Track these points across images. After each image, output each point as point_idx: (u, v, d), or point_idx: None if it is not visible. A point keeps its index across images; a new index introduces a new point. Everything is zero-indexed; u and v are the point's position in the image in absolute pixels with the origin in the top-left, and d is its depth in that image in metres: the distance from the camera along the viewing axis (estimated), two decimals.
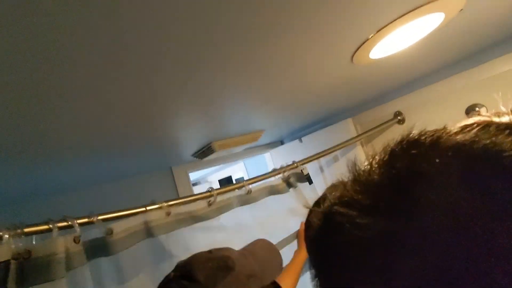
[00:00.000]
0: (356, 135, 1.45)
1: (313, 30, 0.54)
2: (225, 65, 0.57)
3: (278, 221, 1.10)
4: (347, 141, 1.36)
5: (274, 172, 1.14)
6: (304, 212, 1.07)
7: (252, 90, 0.82)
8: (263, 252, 0.66)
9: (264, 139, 1.77)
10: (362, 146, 1.50)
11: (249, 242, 0.78)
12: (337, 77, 0.87)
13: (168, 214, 0.81)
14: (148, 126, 0.81)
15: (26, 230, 0.56)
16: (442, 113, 1.25)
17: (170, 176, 1.54)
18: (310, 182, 1.23)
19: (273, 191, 1.14)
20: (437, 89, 1.26)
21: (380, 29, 0.60)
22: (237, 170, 3.34)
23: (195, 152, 1.31)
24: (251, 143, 1.34)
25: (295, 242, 1.09)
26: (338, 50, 0.66)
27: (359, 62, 0.72)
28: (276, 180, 1.17)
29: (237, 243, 0.72)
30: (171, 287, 0.49)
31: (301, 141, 1.75)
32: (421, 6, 0.55)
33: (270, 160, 2.05)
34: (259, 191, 1.09)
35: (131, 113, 0.66)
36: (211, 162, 1.72)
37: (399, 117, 1.38)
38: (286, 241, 1.08)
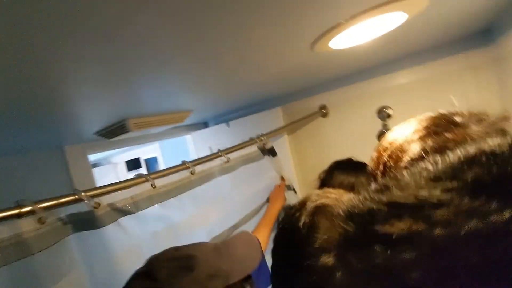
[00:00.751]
0: (283, 124, 1.46)
1: (276, 12, 0.45)
2: (158, 40, 0.41)
3: (255, 186, 1.22)
4: (276, 129, 1.35)
5: (245, 143, 1.18)
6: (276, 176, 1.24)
7: (190, 67, 0.67)
8: (241, 246, 0.64)
9: (186, 120, 1.59)
10: (288, 135, 1.52)
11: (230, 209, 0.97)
12: (293, 64, 0.81)
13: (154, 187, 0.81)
14: (32, 92, 0.55)
15: None
16: (358, 110, 1.38)
17: (60, 157, 1.20)
18: (274, 154, 1.33)
19: (248, 159, 1.22)
20: (358, 88, 1.38)
21: (342, 22, 0.55)
22: (148, 151, 2.98)
23: (101, 130, 1.04)
24: (175, 123, 1.16)
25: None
26: (300, 35, 0.59)
27: (319, 50, 0.67)
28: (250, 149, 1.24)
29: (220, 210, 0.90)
30: (134, 285, 0.49)
31: (228, 125, 1.65)
32: (382, 5, 0.53)
33: (191, 142, 1.88)
34: (236, 159, 1.15)
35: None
36: (118, 143, 1.43)
37: (323, 110, 1.46)
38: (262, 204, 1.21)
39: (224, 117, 1.85)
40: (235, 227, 1.10)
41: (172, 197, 0.91)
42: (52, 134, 1.04)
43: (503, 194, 0.15)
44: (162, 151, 2.26)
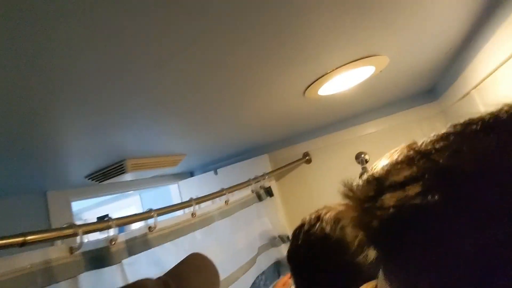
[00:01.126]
0: (270, 170, 1.53)
1: (275, 64, 0.58)
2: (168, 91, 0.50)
3: (251, 232, 1.20)
4: (263, 175, 1.41)
5: (245, 183, 1.25)
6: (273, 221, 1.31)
7: (187, 113, 0.75)
8: (194, 276, 0.56)
9: (172, 169, 1.61)
10: (275, 181, 1.58)
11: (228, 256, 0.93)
12: (286, 108, 0.93)
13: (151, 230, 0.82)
14: (26, 133, 0.58)
15: None
16: (339, 155, 1.52)
17: (41, 203, 1.13)
18: (271, 195, 1.38)
19: (245, 203, 1.25)
20: (337, 137, 1.54)
21: (330, 71, 0.70)
22: (122, 207, 2.81)
23: (95, 172, 1.03)
24: (169, 166, 1.19)
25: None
26: (295, 83, 0.72)
27: (309, 96, 0.80)
28: (246, 192, 1.29)
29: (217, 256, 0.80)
30: None
31: (216, 173, 1.68)
32: (360, 59, 0.69)
33: (176, 192, 1.85)
34: (232, 203, 1.16)
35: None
36: (103, 189, 1.38)
37: (307, 157, 1.57)
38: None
39: (210, 166, 1.89)
40: (231, 276, 1.05)
41: (170, 241, 0.89)
42: (36, 178, 1.01)
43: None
44: (143, 203, 2.16)
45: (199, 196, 1.77)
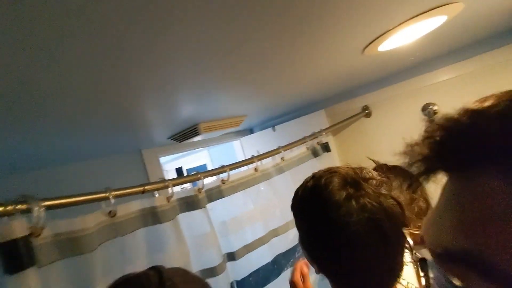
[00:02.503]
0: (328, 125, 1.55)
1: (335, 22, 0.57)
2: (232, 54, 0.55)
3: None
4: (321, 131, 1.45)
5: (300, 140, 1.33)
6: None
7: (254, 76, 0.81)
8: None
9: (235, 128, 1.77)
10: (332, 136, 1.61)
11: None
12: (343, 66, 0.92)
13: (224, 182, 1.00)
14: (125, 106, 0.73)
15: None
16: (402, 107, 1.43)
17: (139, 160, 1.42)
18: (329, 150, 1.44)
19: (300, 160, 1.32)
20: (400, 87, 1.43)
21: (392, 28, 0.66)
22: (192, 161, 3.25)
23: (175, 134, 1.24)
24: (233, 127, 1.32)
25: None
26: (354, 42, 0.70)
27: (369, 53, 0.78)
28: (301, 149, 1.36)
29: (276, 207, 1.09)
30: None
31: (274, 129, 1.79)
32: (430, 10, 0.63)
33: (239, 148, 2.05)
34: (289, 159, 1.27)
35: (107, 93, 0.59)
36: (181, 147, 1.63)
37: (366, 111, 1.53)
38: None
39: (268, 123, 1.99)
40: (289, 224, 1.20)
41: (238, 191, 1.05)
42: (132, 139, 1.26)
43: None
44: (212, 157, 2.46)
45: (259, 150, 1.93)
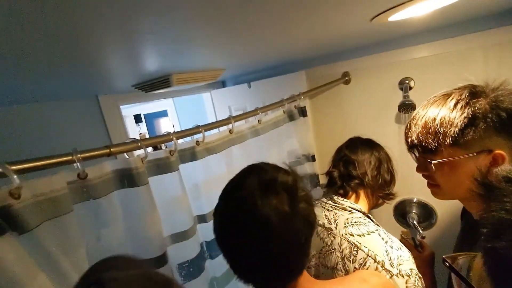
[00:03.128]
0: (306, 88, 1.50)
1: None
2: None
3: (282, 150, 1.32)
4: (300, 94, 1.40)
5: (279, 102, 1.26)
6: (301, 141, 1.37)
7: (242, 28, 0.69)
8: None
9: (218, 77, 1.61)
10: (309, 99, 1.58)
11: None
12: (345, 32, 0.84)
13: (198, 144, 0.93)
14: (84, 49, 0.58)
15: None
16: (381, 78, 1.43)
17: (96, 107, 1.24)
18: (305, 115, 1.41)
19: (276, 123, 1.28)
20: (381, 58, 1.41)
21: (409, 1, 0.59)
22: (153, 106, 3.00)
23: (141, 83, 1.07)
24: (209, 81, 1.20)
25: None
26: (363, 11, 0.62)
27: (377, 22, 0.70)
28: (277, 112, 1.30)
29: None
30: None
31: (249, 86, 1.68)
32: None
33: (209, 100, 1.92)
34: (266, 122, 1.22)
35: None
36: (146, 97, 1.46)
37: (346, 78, 1.50)
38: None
39: (242, 78, 1.86)
40: None
41: (213, 154, 0.99)
42: (89, 84, 1.06)
43: None
44: (176, 105, 2.28)
45: (231, 106, 1.83)
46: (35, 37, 0.47)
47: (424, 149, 0.63)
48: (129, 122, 3.02)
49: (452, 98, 0.60)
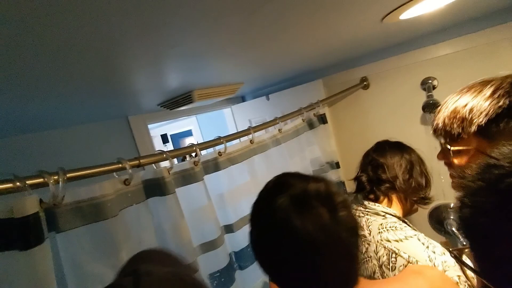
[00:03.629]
0: (324, 96, 1.51)
1: None
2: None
3: (305, 157, 1.32)
4: (318, 101, 1.40)
5: (297, 111, 1.27)
6: (324, 148, 1.36)
7: (261, 43, 0.73)
8: None
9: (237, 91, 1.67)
10: (328, 107, 1.58)
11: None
12: (357, 35, 0.85)
13: (220, 154, 0.97)
14: (112, 72, 0.64)
15: None
16: (402, 80, 1.40)
17: (126, 127, 1.33)
18: (325, 122, 1.42)
19: (296, 132, 1.30)
20: (400, 60, 1.39)
21: None
22: (178, 126, 3.15)
23: (166, 101, 1.15)
24: (228, 95, 1.25)
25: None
26: (375, 10, 0.63)
27: (388, 22, 0.71)
28: (297, 120, 1.32)
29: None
30: None
31: (268, 98, 1.72)
32: None
33: (230, 116, 1.98)
34: (286, 131, 1.24)
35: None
36: (171, 115, 1.54)
37: (364, 83, 1.49)
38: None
39: (261, 91, 1.91)
40: None
41: (236, 164, 1.02)
42: (119, 105, 1.15)
43: None
44: (200, 123, 2.38)
45: (251, 120, 1.88)
46: (80, 71, 0.54)
47: (447, 134, 0.59)
48: (157, 142, 3.17)
49: (491, 86, 0.55)
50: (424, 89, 1.34)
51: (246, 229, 1.00)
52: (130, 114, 1.33)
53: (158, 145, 3.29)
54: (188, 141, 5.44)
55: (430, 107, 1.24)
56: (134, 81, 0.84)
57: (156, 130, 3.01)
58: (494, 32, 1.17)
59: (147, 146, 1.37)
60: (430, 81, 1.33)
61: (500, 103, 0.53)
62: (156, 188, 0.73)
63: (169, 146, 5.18)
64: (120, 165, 0.62)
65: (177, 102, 1.11)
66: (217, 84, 1.13)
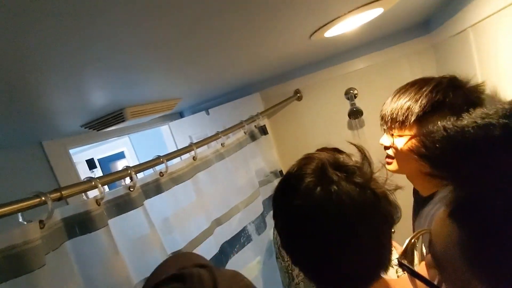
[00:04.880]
0: (263, 109, 1.56)
1: (283, 11, 0.55)
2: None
3: (248, 171, 1.29)
4: (257, 114, 1.44)
5: (239, 124, 1.28)
6: (267, 158, 1.41)
7: (194, 60, 0.72)
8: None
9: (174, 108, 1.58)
10: (267, 119, 1.63)
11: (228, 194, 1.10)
12: (288, 51, 0.91)
13: (162, 175, 0.89)
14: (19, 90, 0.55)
15: None
16: (329, 91, 1.55)
17: (41, 154, 1.13)
18: (266, 133, 1.44)
19: (239, 145, 1.28)
20: (327, 73, 1.54)
21: (342, 15, 0.67)
22: (107, 148, 2.83)
23: (91, 122, 1.01)
24: (165, 111, 1.18)
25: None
26: (303, 28, 0.69)
27: (315, 39, 0.78)
28: (239, 134, 1.30)
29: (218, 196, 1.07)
30: None
31: (208, 113, 1.69)
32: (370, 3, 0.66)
33: (168, 133, 1.87)
34: (229, 145, 1.21)
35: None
36: (98, 136, 1.37)
37: (298, 94, 1.60)
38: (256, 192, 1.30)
39: (199, 106, 1.87)
40: (233, 210, 1.17)
41: (179, 183, 0.96)
42: (29, 129, 0.97)
43: None
44: (133, 144, 2.18)
45: (192, 136, 1.81)
46: None
47: (393, 122, 0.69)
48: (82, 169, 2.77)
49: (431, 83, 0.66)
50: (348, 98, 1.51)
51: (196, 251, 0.93)
52: (45, 139, 1.13)
53: (84, 172, 2.88)
54: (120, 164, 4.92)
55: (354, 114, 1.40)
56: (50, 101, 0.71)
57: (79, 155, 2.64)
58: (395, 50, 1.41)
59: (70, 175, 1.18)
60: (351, 91, 1.51)
61: (436, 98, 0.63)
62: (81, 224, 0.61)
63: (98, 172, 4.60)
64: (36, 200, 0.50)
65: (106, 121, 0.99)
66: (153, 100, 1.06)
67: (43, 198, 0.51)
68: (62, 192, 0.56)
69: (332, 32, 0.78)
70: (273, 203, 0.54)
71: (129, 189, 0.77)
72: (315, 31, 0.75)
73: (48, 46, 0.41)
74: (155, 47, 0.56)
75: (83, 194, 0.67)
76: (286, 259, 1.07)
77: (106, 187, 0.78)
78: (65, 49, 0.43)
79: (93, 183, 0.65)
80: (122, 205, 0.75)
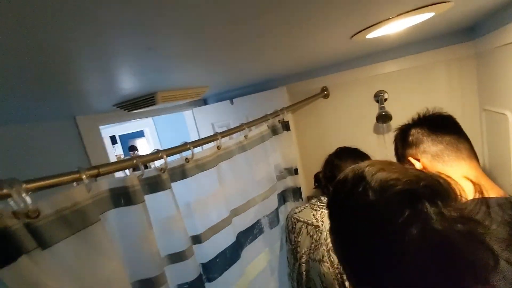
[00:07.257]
0: (289, 103, 1.55)
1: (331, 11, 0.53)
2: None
3: (269, 163, 1.31)
4: (283, 108, 1.43)
5: (263, 117, 1.27)
6: (285, 154, 1.40)
7: (227, 50, 0.71)
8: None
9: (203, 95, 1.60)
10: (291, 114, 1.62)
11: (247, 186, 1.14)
12: (327, 50, 0.89)
13: (188, 161, 0.91)
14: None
15: None
16: (357, 92, 1.52)
17: (73, 128, 1.18)
18: (289, 129, 1.43)
19: (261, 138, 1.28)
20: (357, 73, 1.50)
21: (390, 18, 0.65)
22: (128, 126, 2.91)
23: (124, 102, 1.04)
24: (193, 98, 1.19)
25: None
26: (346, 29, 0.67)
27: (356, 40, 0.76)
28: (262, 127, 1.30)
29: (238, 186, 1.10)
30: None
31: (232, 102, 1.70)
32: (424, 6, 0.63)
33: (191, 118, 1.90)
34: (251, 138, 1.22)
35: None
36: (127, 116, 1.41)
37: (325, 92, 1.57)
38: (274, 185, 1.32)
39: (224, 95, 1.88)
40: (250, 202, 1.19)
41: (203, 171, 0.97)
42: (64, 105, 1.01)
43: None
44: (156, 125, 2.23)
45: (214, 124, 1.83)
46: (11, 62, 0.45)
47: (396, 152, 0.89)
48: (107, 144, 2.89)
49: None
50: (377, 101, 1.47)
51: (214, 239, 0.96)
52: (78, 114, 1.18)
53: (108, 148, 3.00)
54: (138, 142, 5.06)
55: (383, 118, 1.37)
56: (89, 82, 0.74)
57: (104, 131, 2.73)
58: (433, 54, 1.35)
59: (98, 150, 1.23)
60: (381, 94, 1.46)
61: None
62: (126, 196, 0.66)
63: (118, 148, 4.76)
64: (78, 176, 0.54)
65: (138, 103, 1.02)
66: (183, 86, 1.07)
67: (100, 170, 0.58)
68: (100, 170, 0.59)
69: (375, 33, 0.75)
70: (347, 217, 0.48)
71: (160, 170, 0.80)
72: (358, 32, 0.73)
73: (99, 38, 0.42)
74: (197, 39, 0.56)
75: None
76: (293, 243, 1.13)
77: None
78: (124, 39, 0.44)
79: (134, 161, 0.68)
80: (154, 185, 0.78)
